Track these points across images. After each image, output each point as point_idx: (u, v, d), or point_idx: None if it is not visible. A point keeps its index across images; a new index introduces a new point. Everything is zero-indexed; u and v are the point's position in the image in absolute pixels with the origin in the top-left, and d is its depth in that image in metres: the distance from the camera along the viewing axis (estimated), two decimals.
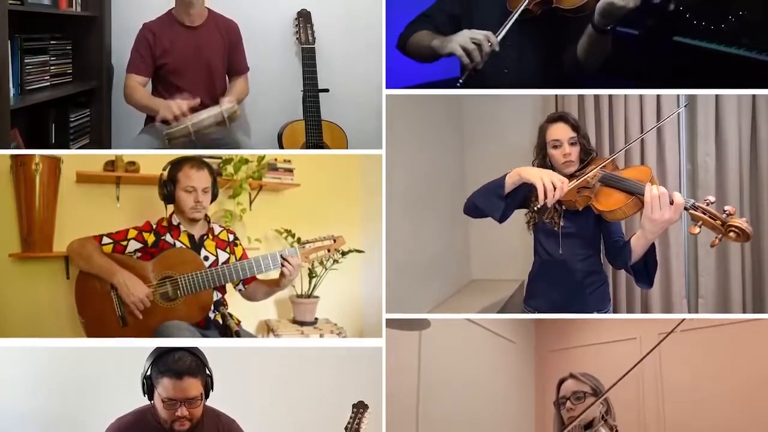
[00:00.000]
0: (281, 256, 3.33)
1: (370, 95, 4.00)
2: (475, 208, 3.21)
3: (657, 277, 3.31)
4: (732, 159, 4.38)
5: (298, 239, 4.25)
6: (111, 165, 3.96)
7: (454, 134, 5.25)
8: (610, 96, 4.58)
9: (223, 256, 3.47)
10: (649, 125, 4.48)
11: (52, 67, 4.03)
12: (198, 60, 3.99)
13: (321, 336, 4.20)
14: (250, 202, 4.36)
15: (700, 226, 2.78)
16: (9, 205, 3.73)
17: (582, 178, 3.04)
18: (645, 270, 3.07)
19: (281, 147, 4.31)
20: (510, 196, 3.09)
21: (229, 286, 3.53)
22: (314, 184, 4.54)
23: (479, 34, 3.23)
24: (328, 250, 3.48)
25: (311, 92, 4.28)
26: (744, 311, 4.44)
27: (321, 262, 4.18)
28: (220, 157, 4.11)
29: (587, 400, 2.86)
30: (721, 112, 4.40)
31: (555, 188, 2.84)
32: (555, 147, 3.21)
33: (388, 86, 3.65)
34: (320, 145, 4.27)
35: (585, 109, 4.67)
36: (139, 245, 3.34)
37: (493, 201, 3.12)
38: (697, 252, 4.54)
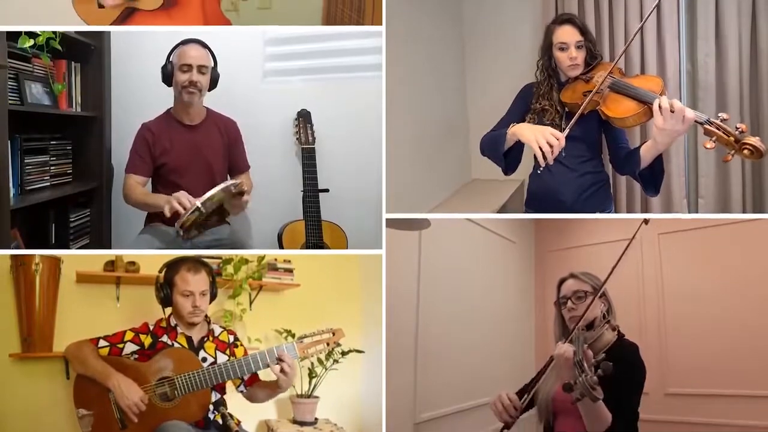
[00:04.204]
0: (277, 357, 3.28)
1: (370, 195, 4.02)
2: (486, 155, 3.36)
3: None
4: (732, 59, 4.40)
5: (295, 335, 4.22)
6: (111, 265, 3.93)
7: (454, 33, 5.31)
8: None
9: (222, 358, 3.41)
10: (649, 27, 4.51)
11: (52, 167, 4.07)
12: (198, 159, 3.99)
13: None
14: (250, 302, 4.34)
15: (714, 141, 2.82)
16: (9, 305, 3.70)
17: (595, 89, 3.09)
18: (652, 177, 3.13)
19: (281, 247, 4.32)
20: (510, 153, 3.24)
21: (229, 387, 3.48)
22: (314, 284, 4.51)
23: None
24: (327, 344, 3.43)
25: (311, 192, 4.30)
26: (744, 211, 4.47)
27: (320, 362, 4.16)
28: (220, 257, 4.10)
29: (588, 300, 2.85)
30: (721, 11, 4.42)
31: (552, 146, 2.90)
32: (561, 50, 3.28)
33: None
34: (320, 245, 4.28)
35: (585, 11, 4.70)
36: (135, 347, 3.30)
37: (495, 158, 3.29)
38: (697, 152, 4.55)
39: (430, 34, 4.79)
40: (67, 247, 4.12)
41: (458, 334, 4.20)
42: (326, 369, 4.31)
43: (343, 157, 4.49)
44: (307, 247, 4.28)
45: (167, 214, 3.50)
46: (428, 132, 4.70)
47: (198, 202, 3.41)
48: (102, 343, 3.28)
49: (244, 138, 4.21)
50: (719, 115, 2.84)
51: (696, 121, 2.84)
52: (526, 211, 3.55)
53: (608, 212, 3.47)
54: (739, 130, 2.79)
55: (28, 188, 3.83)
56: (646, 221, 3.02)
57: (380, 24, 3.79)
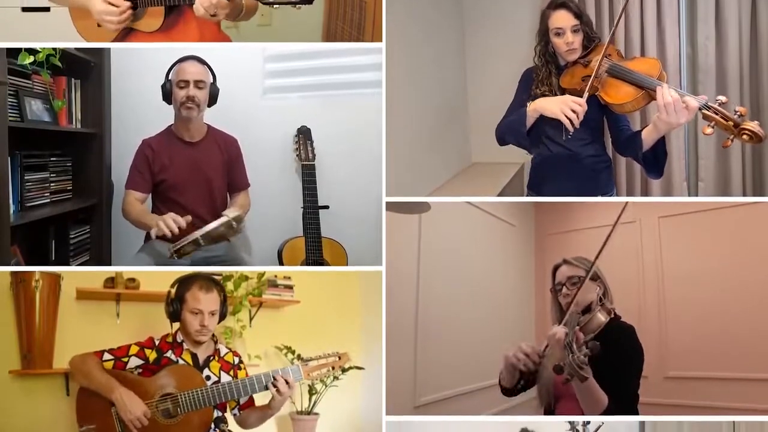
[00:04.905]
0: (273, 377, 3.26)
1: (370, 212, 4.02)
2: (506, 141, 3.39)
3: None
4: (732, 42, 4.42)
5: (299, 356, 4.20)
6: (111, 282, 3.91)
7: (454, 15, 5.34)
8: None
9: (225, 378, 3.38)
10: (648, 11, 4.53)
11: (52, 184, 4.06)
12: (197, 176, 4.00)
13: None
14: (250, 319, 4.32)
15: (712, 127, 2.86)
16: (9, 321, 3.68)
17: (594, 75, 3.12)
18: (655, 160, 3.17)
19: (281, 264, 4.31)
20: (533, 130, 3.25)
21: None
22: (314, 300, 4.51)
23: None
24: (333, 368, 3.43)
25: (311, 209, 4.30)
26: (744, 194, 4.48)
27: (322, 380, 4.14)
28: (220, 274, 4.08)
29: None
30: None
31: (576, 113, 2.99)
32: (557, 35, 3.28)
33: None
34: (320, 262, 4.27)
35: None
36: (140, 361, 3.27)
37: (519, 139, 3.30)
38: (697, 135, 4.57)
39: (430, 19, 4.83)
40: (67, 264, 4.12)
41: (458, 317, 4.23)
42: (326, 386, 4.30)
43: (343, 173, 4.49)
44: (307, 264, 4.27)
45: (153, 236, 3.51)
46: (428, 116, 4.74)
47: (198, 235, 3.44)
48: (106, 356, 3.25)
49: (245, 154, 4.21)
50: (717, 98, 2.87)
51: None
52: (529, 194, 3.58)
53: (610, 195, 3.49)
54: (738, 113, 2.83)
55: (28, 205, 3.82)
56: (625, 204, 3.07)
57: (380, 40, 3.79)
